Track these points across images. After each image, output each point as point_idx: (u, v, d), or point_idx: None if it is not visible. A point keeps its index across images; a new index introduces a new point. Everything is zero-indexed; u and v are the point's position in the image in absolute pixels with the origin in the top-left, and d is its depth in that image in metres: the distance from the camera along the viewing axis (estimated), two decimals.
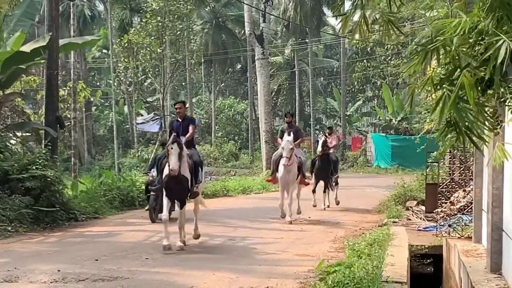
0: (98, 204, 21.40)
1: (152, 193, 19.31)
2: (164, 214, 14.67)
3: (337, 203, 24.60)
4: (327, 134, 24.85)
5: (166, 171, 14.77)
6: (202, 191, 18.34)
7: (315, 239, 16.74)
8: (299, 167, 20.32)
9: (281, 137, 20.50)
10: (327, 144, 23.85)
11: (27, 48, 21.22)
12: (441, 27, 6.00)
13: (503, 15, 5.46)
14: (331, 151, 23.99)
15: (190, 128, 16.01)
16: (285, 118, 22.19)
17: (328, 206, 24.04)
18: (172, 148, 14.34)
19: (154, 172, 18.75)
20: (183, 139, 15.14)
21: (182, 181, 14.72)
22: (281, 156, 19.90)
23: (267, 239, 16.54)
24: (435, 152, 20.86)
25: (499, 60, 5.21)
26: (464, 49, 5.87)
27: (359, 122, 67.31)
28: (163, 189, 15.03)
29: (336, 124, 69.90)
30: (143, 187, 22.67)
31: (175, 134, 14.75)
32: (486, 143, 6.51)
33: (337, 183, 24.92)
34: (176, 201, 15.16)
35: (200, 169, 15.77)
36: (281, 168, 19.89)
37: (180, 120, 16.28)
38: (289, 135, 19.94)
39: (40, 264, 12.64)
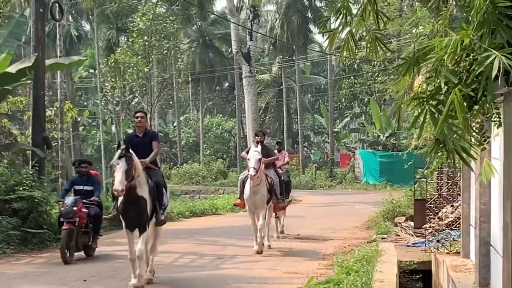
0: None
1: (65, 226, 15.83)
2: (131, 253, 12.37)
3: (281, 232, 21.34)
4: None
5: (121, 198, 12.36)
6: (167, 215, 14.95)
7: (304, 256, 16.73)
8: (269, 189, 17.46)
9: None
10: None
11: (13, 69, 21.18)
12: (427, 45, 6.02)
13: (495, 31, 5.49)
14: (280, 170, 19.60)
15: (154, 145, 13.42)
16: (256, 137, 18.76)
17: (282, 232, 21.13)
18: (118, 164, 11.86)
19: (68, 200, 16.17)
20: (146, 160, 12.88)
21: (140, 204, 12.41)
22: (247, 176, 17.01)
23: (256, 257, 16.50)
24: (425, 170, 20.90)
25: (493, 75, 5.23)
26: (449, 66, 5.89)
27: (347, 138, 67.42)
28: (121, 219, 12.63)
29: (324, 141, 70.12)
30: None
31: (124, 147, 12.13)
32: (475, 160, 6.53)
33: (283, 208, 20.31)
34: (137, 228, 12.62)
35: (164, 191, 13.42)
36: (247, 188, 17.06)
37: (140, 136, 13.49)
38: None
39: (28, 286, 12.58)
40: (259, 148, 17.12)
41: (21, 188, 18.90)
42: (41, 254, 17.37)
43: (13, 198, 18.63)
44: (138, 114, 13.79)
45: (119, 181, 11.72)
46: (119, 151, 12.12)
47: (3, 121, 26.93)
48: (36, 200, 18.78)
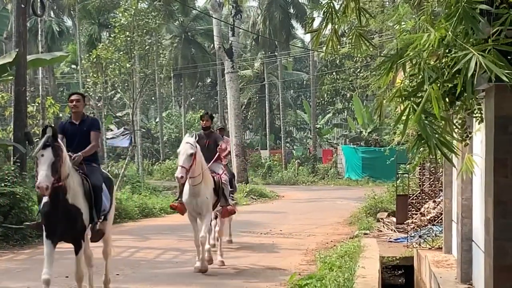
0: None
1: None
2: (45, 273, 9.80)
3: (229, 241, 17.99)
4: None
5: (45, 199, 9.83)
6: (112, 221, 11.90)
7: (287, 252, 16.74)
8: (216, 188, 14.12)
9: None
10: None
11: None
12: (409, 41, 6.05)
13: (467, 28, 5.51)
14: (224, 162, 15.88)
15: (93, 136, 10.90)
16: (201, 122, 15.52)
17: (214, 246, 15.68)
18: (42, 156, 9.31)
19: None
20: (80, 154, 10.35)
21: (72, 214, 9.89)
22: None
23: (238, 253, 16.50)
24: (407, 166, 20.96)
25: (470, 73, 5.26)
26: (431, 62, 5.92)
27: (330, 134, 67.54)
28: (43, 227, 10.04)
29: (306, 137, 70.15)
30: None
31: (50, 135, 9.47)
32: (457, 156, 6.56)
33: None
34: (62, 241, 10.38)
35: (107, 194, 10.91)
36: (186, 188, 13.66)
37: (77, 123, 10.95)
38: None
39: (9, 282, 12.52)
40: (193, 139, 13.34)
41: (2, 184, 18.76)
42: (23, 251, 17.27)
43: None
44: (73, 97, 11.10)
45: (43, 176, 9.14)
46: (43, 138, 9.48)
47: None
48: (18, 196, 18.64)
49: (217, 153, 14.67)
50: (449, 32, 5.56)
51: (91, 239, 10.85)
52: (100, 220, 10.63)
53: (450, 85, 5.86)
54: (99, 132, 11.15)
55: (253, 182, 44.44)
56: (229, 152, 17.86)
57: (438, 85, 5.61)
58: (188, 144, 13.07)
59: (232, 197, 15.68)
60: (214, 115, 18.96)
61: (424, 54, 5.72)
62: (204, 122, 15.11)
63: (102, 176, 10.93)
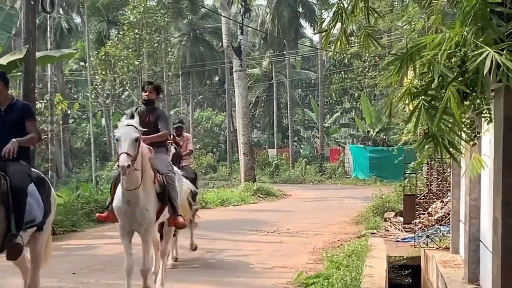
0: (75, 217, 21.23)
1: None
2: None
3: (194, 248, 15.75)
4: (174, 135, 15.21)
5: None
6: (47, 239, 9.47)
7: (294, 250, 16.74)
8: (161, 193, 10.49)
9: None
10: (179, 154, 14.66)
11: (3, 60, 21.06)
12: (420, 41, 6.05)
13: (484, 28, 5.52)
14: (185, 163, 14.81)
15: (30, 126, 8.87)
16: (143, 93, 11.93)
17: (176, 259, 14.86)
18: None
19: None
20: (15, 141, 8.45)
21: None
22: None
23: (245, 251, 16.51)
24: (413, 163, 20.93)
25: (485, 71, 5.27)
26: (442, 61, 5.92)
27: (337, 133, 67.48)
28: None
29: (314, 136, 70.10)
30: None
31: None
32: (463, 155, 6.56)
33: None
34: None
35: (43, 199, 8.70)
36: (118, 193, 10.05)
37: (2, 110, 8.85)
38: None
39: (17, 278, 12.53)
40: (136, 120, 9.69)
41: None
42: None
43: None
44: None
45: None
46: None
47: None
48: None
49: (159, 136, 11.28)
50: (465, 32, 5.58)
51: (7, 256, 8.25)
52: (17, 234, 8.02)
53: (462, 86, 5.86)
54: (35, 121, 9.19)
55: (260, 180, 44.45)
56: (191, 152, 16.08)
57: (454, 86, 5.61)
58: (129, 128, 9.40)
59: (194, 201, 13.83)
60: (161, 86, 14.07)
61: (439, 56, 5.72)
62: (146, 94, 11.65)
63: (30, 177, 8.50)
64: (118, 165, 9.17)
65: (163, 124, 11.35)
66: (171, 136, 14.11)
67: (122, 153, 9.06)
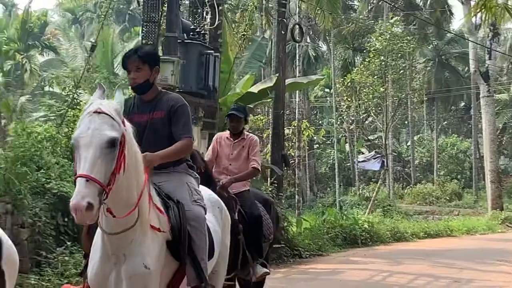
0: (321, 242, 21.58)
1: None
2: None
3: None
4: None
5: None
6: None
7: None
8: (175, 242, 5.60)
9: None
10: (254, 159, 8.98)
11: (255, 89, 21.96)
12: None
13: None
14: (240, 186, 8.78)
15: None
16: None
17: None
18: None
19: None
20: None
21: None
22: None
23: (495, 283, 15.93)
24: None
25: None
26: None
27: None
28: None
29: None
30: (366, 225, 22.84)
31: None
32: None
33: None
34: None
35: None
36: (97, 242, 5.42)
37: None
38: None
39: None
40: (117, 101, 5.08)
41: None
42: (279, 269, 17.71)
43: None
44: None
45: None
46: None
47: None
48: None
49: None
50: None
51: None
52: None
53: None
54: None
55: (508, 209, 42.76)
56: (254, 171, 9.05)
57: None
58: (102, 117, 4.86)
59: (259, 255, 8.60)
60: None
61: None
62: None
63: None
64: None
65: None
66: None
67: (78, 176, 4.62)
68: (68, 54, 49.40)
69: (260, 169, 9.07)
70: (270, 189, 20.56)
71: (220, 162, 8.95)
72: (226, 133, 9.21)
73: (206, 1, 17.51)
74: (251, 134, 9.38)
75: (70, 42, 51.19)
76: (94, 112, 4.80)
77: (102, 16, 24.31)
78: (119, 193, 4.95)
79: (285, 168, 24.41)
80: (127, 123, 5.11)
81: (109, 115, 4.83)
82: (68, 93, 18.34)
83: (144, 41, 16.24)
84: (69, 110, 16.97)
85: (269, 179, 22.43)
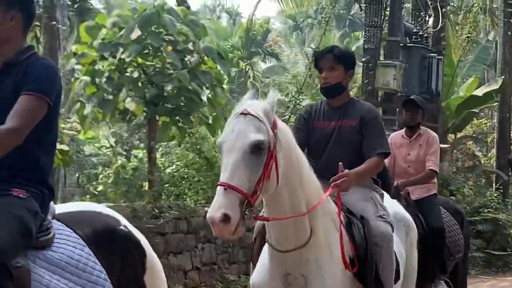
0: None
1: None
2: None
3: None
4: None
5: None
6: None
7: None
8: (355, 262, 4.79)
9: None
10: (431, 159, 7.93)
11: (479, 91, 21.46)
12: None
13: None
14: (428, 192, 7.96)
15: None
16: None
17: None
18: None
19: None
20: None
21: None
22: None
23: None
24: None
25: None
26: None
27: None
28: None
29: None
30: None
31: None
32: None
33: None
34: None
35: None
36: (262, 258, 4.81)
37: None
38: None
39: None
40: (269, 102, 4.39)
41: (485, 210, 18.99)
42: (505, 278, 17.22)
43: (477, 220, 18.77)
44: None
45: None
46: None
47: (468, 143, 27.41)
48: (500, 222, 18.75)
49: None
50: None
51: None
52: None
53: None
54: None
55: None
56: (432, 173, 7.91)
57: None
58: (249, 118, 4.25)
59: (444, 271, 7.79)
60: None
61: None
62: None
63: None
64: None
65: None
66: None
67: (218, 184, 4.10)
68: (289, 60, 50.17)
69: (438, 171, 7.98)
70: (495, 194, 19.99)
71: (397, 164, 8.01)
72: (401, 131, 8.37)
73: (429, 3, 17.28)
74: (428, 130, 8.29)
75: (291, 48, 51.97)
76: (240, 114, 4.26)
77: (324, 22, 24.55)
78: (276, 204, 4.43)
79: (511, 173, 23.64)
80: (281, 124, 4.48)
81: (256, 117, 4.23)
82: (291, 99, 18.80)
83: (366, 46, 16.33)
84: (292, 115, 17.35)
85: (494, 184, 21.83)
